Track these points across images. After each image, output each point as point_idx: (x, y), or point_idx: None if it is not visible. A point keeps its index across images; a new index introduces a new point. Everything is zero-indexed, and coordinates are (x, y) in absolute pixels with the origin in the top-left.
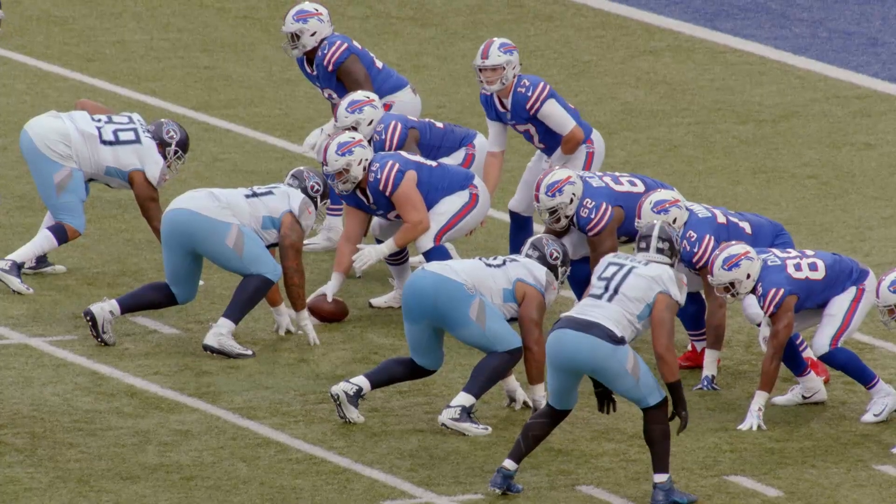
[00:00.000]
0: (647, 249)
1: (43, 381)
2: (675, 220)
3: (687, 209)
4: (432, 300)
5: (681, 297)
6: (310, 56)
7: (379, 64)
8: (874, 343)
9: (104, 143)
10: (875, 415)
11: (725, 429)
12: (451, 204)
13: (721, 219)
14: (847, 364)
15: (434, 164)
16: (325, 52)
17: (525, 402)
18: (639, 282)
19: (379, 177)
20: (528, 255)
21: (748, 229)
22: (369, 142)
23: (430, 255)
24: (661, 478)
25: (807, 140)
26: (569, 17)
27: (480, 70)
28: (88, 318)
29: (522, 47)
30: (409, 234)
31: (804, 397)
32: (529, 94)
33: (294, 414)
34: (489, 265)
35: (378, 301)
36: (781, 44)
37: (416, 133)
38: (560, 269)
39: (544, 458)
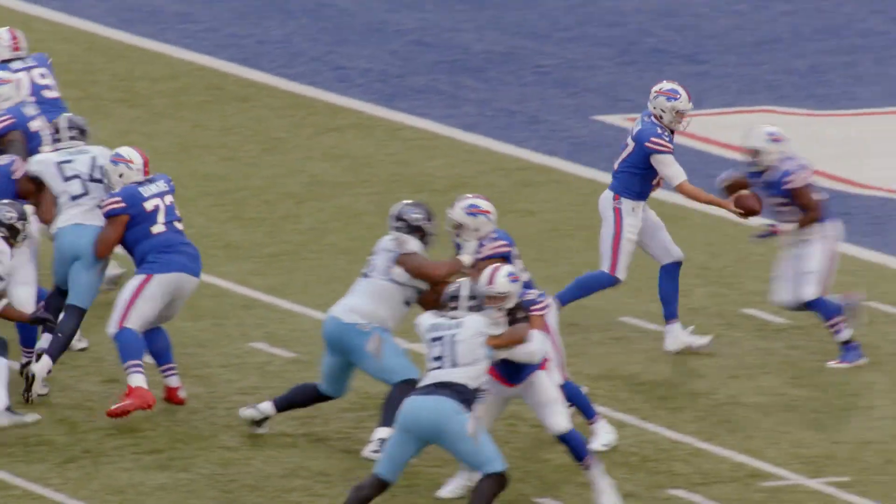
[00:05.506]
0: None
1: None
2: None
3: None
4: (337, 341)
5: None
6: None
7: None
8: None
9: None
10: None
11: None
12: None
13: None
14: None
15: None
16: None
17: None
18: (465, 347)
19: None
20: (396, 229)
21: None
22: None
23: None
24: None
25: None
26: (263, 97)
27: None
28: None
29: (221, 125)
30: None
31: None
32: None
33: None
34: (367, 276)
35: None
36: (452, 121)
37: None
38: (425, 226)
39: None
